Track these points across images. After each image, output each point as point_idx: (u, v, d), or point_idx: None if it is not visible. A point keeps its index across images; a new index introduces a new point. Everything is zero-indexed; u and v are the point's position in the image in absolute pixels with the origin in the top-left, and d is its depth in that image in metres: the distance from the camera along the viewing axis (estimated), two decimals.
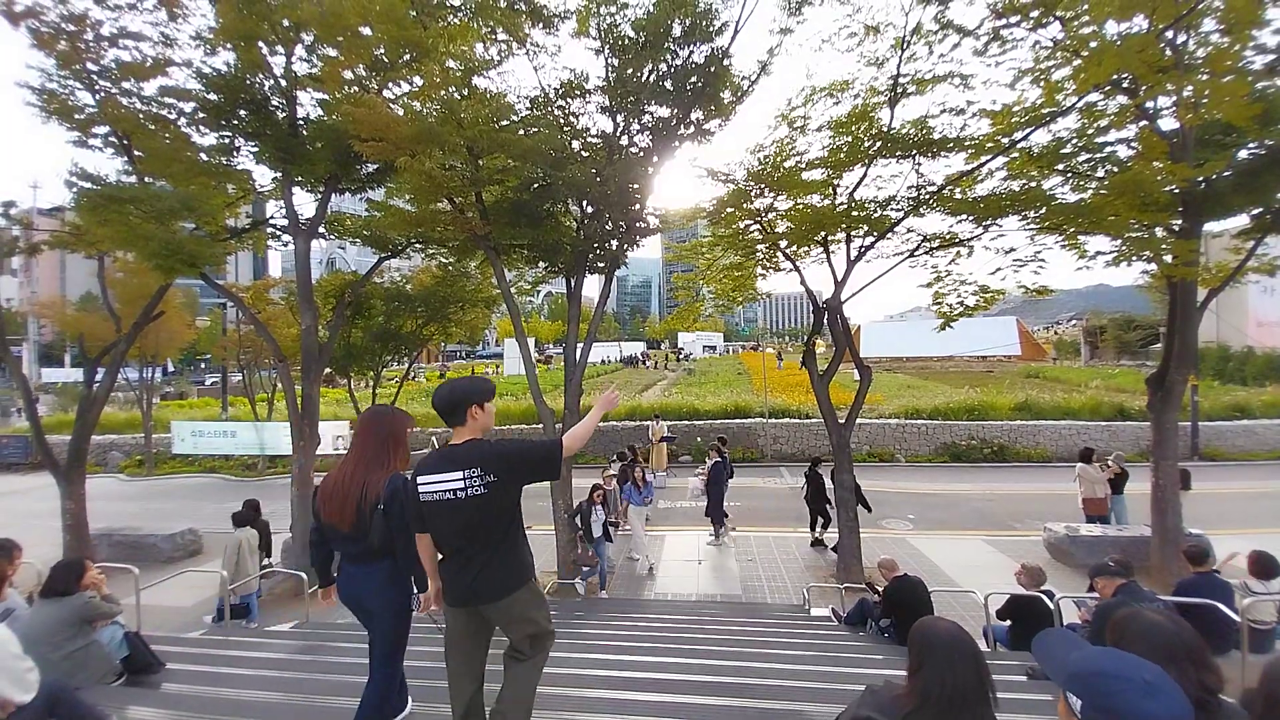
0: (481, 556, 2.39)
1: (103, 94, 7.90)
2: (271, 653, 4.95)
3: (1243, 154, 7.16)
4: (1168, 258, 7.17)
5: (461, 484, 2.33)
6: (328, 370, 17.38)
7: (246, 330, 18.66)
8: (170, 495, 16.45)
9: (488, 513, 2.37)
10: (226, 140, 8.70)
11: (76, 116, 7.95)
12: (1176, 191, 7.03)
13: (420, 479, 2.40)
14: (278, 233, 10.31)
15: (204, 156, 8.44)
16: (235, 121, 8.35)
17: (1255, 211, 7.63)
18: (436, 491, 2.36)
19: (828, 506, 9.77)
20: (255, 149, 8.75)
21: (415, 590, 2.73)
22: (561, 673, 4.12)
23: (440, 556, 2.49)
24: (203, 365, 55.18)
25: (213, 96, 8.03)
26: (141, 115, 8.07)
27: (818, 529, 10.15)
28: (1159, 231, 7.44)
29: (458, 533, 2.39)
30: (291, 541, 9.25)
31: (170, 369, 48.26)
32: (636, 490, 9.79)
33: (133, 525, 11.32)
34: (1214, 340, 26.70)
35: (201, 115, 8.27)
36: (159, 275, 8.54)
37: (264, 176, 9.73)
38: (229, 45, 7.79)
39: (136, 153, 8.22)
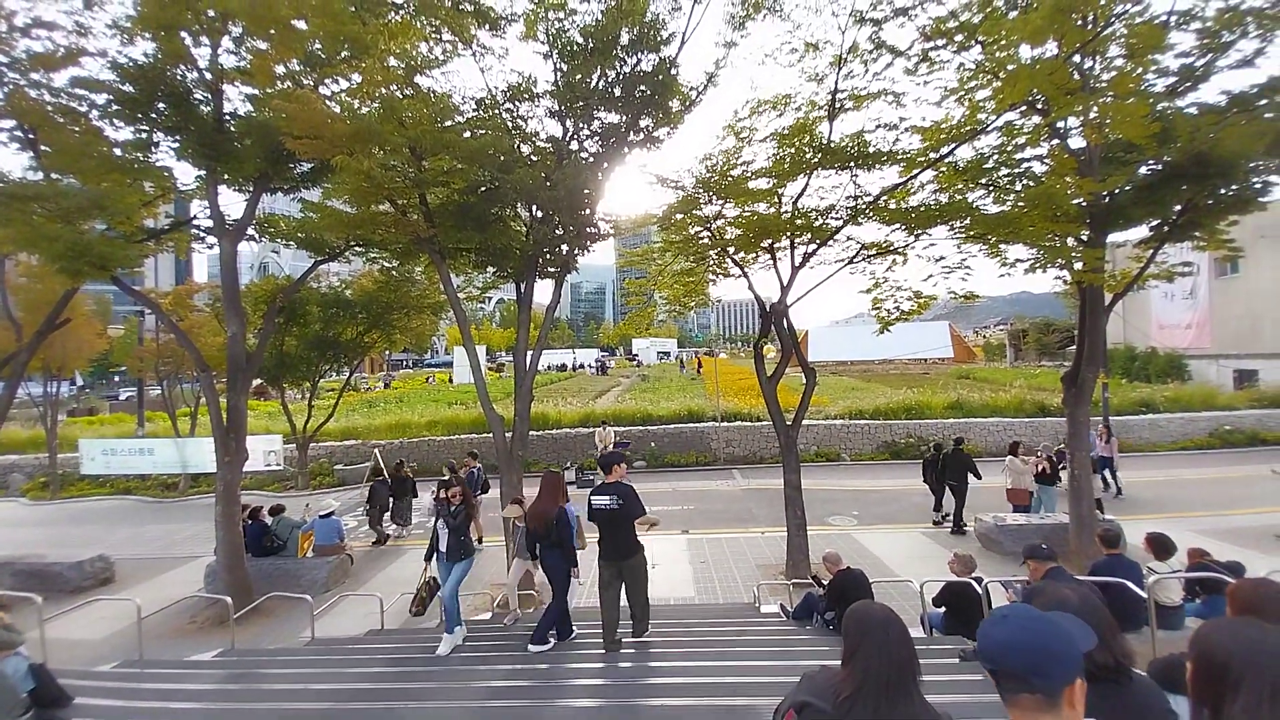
0: (618, 538, 4.90)
1: (10, 86, 7.26)
2: (193, 684, 4.61)
3: (1143, 170, 7.82)
4: (1078, 265, 7.77)
5: (609, 502, 4.83)
6: (258, 381, 16.49)
7: (166, 339, 17.41)
8: (79, 520, 15.07)
9: (619, 518, 4.84)
10: (144, 135, 8.10)
11: None
12: (1084, 204, 7.63)
13: (593, 496, 4.93)
14: (202, 234, 9.67)
15: (118, 152, 7.83)
16: (154, 115, 7.79)
17: (1154, 223, 8.36)
18: (599, 504, 4.88)
19: (950, 486, 10.67)
20: (176, 145, 8.18)
21: (573, 565, 5.32)
22: (519, 685, 4.03)
23: (600, 538, 4.99)
24: (116, 379, 50.99)
25: (129, 88, 7.47)
26: (50, 107, 7.43)
27: (941, 511, 11.12)
28: (1070, 241, 8.06)
29: (606, 526, 4.90)
30: (217, 564, 8.61)
31: (79, 382, 44.39)
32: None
33: (37, 553, 10.33)
34: (1121, 342, 28.97)
35: (116, 108, 7.68)
36: (65, 279, 7.90)
37: (187, 174, 9.15)
38: (148, 34, 7.29)
39: (43, 147, 7.57)
